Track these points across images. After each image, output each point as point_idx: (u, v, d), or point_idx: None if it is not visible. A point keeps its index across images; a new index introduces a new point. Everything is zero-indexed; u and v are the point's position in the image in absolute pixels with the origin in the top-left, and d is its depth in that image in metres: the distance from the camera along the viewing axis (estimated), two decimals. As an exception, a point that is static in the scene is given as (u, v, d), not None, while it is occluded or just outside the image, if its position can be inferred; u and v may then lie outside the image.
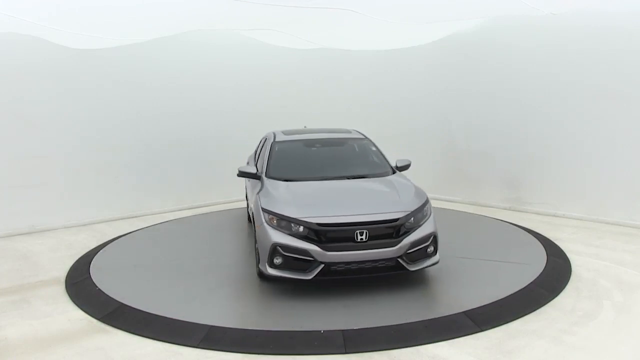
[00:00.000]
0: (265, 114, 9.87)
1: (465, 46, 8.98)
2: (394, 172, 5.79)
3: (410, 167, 6.03)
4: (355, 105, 10.30)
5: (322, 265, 4.42)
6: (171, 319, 4.20)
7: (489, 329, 3.88)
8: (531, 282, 4.78)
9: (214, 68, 9.44)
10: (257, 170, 5.84)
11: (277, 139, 6.34)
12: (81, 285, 5.13)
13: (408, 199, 4.90)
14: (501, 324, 3.95)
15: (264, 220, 4.71)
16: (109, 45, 8.01)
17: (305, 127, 7.28)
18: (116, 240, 6.91)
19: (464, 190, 9.22)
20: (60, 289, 5.08)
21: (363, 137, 6.44)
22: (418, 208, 4.78)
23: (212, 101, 9.45)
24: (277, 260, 4.52)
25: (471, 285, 4.83)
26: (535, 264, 5.34)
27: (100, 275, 5.36)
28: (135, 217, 8.45)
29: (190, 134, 9.22)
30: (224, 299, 4.70)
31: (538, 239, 6.36)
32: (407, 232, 4.60)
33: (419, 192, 5.13)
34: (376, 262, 4.49)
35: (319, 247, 4.42)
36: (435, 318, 4.06)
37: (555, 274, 5.10)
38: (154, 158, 8.84)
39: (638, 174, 6.99)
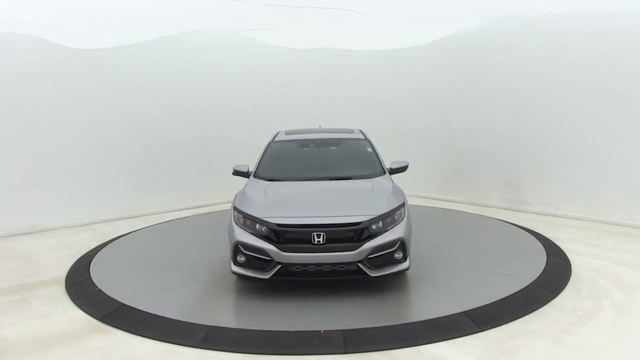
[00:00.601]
0: (265, 114, 9.88)
1: (465, 46, 8.98)
2: (384, 174, 5.58)
3: (409, 168, 5.92)
4: (355, 105, 10.30)
5: (280, 266, 4.44)
6: (171, 319, 4.20)
7: (489, 329, 3.88)
8: (531, 282, 4.78)
9: (214, 68, 9.45)
10: (249, 169, 5.93)
11: (275, 139, 6.39)
12: (81, 285, 5.13)
13: (380, 202, 4.74)
14: (501, 324, 3.95)
15: (232, 219, 4.83)
16: (109, 45, 8.01)
17: (320, 126, 7.23)
18: (116, 240, 6.91)
19: (464, 190, 9.22)
20: (60, 289, 5.08)
21: (363, 137, 6.32)
22: (387, 212, 4.60)
23: (212, 101, 9.45)
24: (240, 259, 4.61)
25: (471, 285, 4.83)
26: (535, 264, 5.34)
27: (100, 275, 5.36)
28: (135, 217, 8.46)
29: (190, 134, 9.22)
30: (224, 299, 4.69)
31: (538, 239, 6.36)
32: (371, 237, 4.47)
33: (395, 196, 4.91)
34: (335, 266, 4.44)
35: (276, 247, 4.44)
36: (435, 318, 4.05)
37: (555, 274, 5.10)
38: (154, 158, 8.84)
39: (638, 174, 6.99)
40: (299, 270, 4.47)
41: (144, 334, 3.96)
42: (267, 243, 4.49)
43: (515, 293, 4.53)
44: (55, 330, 4.10)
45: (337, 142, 6.32)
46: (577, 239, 6.48)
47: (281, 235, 4.48)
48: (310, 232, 4.43)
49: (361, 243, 4.43)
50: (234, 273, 4.71)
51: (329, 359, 3.54)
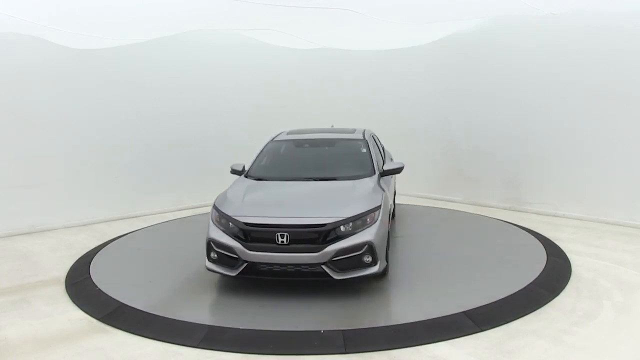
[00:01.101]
0: (265, 114, 9.88)
1: (465, 46, 8.98)
2: (373, 176, 5.43)
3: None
4: (355, 105, 10.30)
5: (246, 264, 4.52)
6: (171, 319, 4.20)
7: (489, 329, 3.88)
8: (531, 282, 4.78)
9: (214, 68, 9.44)
10: (244, 168, 6.00)
11: (275, 138, 6.48)
12: (81, 285, 5.13)
13: (352, 205, 4.65)
14: (501, 324, 3.95)
15: (210, 216, 4.97)
16: (109, 45, 8.01)
17: (332, 126, 7.28)
18: (116, 240, 6.91)
19: (464, 190, 9.22)
20: (60, 289, 5.08)
21: (360, 138, 6.21)
22: (356, 215, 4.53)
23: (212, 101, 9.45)
24: (213, 256, 4.76)
25: (471, 285, 4.83)
26: (535, 264, 5.34)
27: (100, 275, 5.36)
28: (135, 217, 8.46)
29: (190, 134, 9.22)
30: (224, 299, 4.70)
31: (538, 239, 6.36)
32: (338, 239, 4.42)
33: (371, 198, 4.80)
34: (299, 267, 4.46)
35: (243, 245, 4.52)
36: (435, 318, 4.05)
37: (555, 274, 5.10)
38: (154, 158, 8.84)
39: (638, 174, 6.99)
40: (265, 269, 4.52)
41: (144, 334, 3.96)
42: (235, 241, 4.57)
43: (515, 293, 4.53)
44: (55, 330, 4.10)
45: (332, 142, 6.30)
46: (577, 239, 6.48)
47: (248, 234, 4.56)
48: (274, 232, 4.45)
49: (325, 245, 4.39)
50: (208, 269, 4.83)
51: (329, 359, 3.54)
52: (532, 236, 6.54)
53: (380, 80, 10.30)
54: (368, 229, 4.53)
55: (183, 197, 9.18)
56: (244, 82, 9.78)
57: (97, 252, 6.29)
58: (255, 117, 9.79)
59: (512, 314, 4.12)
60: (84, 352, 3.69)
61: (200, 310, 4.40)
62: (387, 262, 4.83)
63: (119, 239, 7.00)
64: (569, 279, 4.98)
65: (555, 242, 6.27)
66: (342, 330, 3.88)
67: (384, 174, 5.65)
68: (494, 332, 3.83)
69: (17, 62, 7.42)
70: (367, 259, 4.48)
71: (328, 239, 4.43)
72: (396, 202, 7.93)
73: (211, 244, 4.74)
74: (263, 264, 4.50)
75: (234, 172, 5.97)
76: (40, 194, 7.63)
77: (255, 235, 4.54)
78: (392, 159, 7.31)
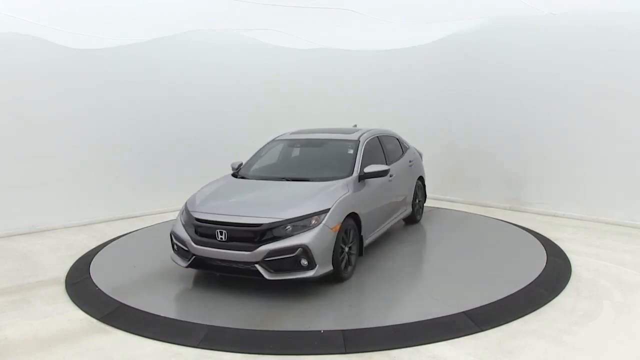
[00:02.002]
0: (265, 114, 9.88)
1: (465, 46, 8.98)
2: (348, 178, 5.31)
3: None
4: (355, 105, 10.30)
5: (194, 257, 4.77)
6: (171, 319, 4.20)
7: (489, 329, 3.88)
8: (531, 282, 4.78)
9: (214, 68, 9.44)
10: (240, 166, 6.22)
11: (275, 138, 6.58)
12: (81, 285, 5.13)
13: (298, 207, 4.66)
14: (501, 324, 3.95)
15: (180, 211, 5.28)
16: (109, 45, 8.01)
17: (355, 125, 7.17)
18: (116, 240, 6.91)
19: (464, 190, 9.22)
20: (60, 289, 5.08)
21: (353, 139, 6.00)
22: (296, 217, 4.53)
23: (212, 101, 9.45)
24: (174, 247, 5.09)
25: (471, 285, 4.83)
26: (535, 264, 5.34)
27: (100, 275, 5.36)
28: (135, 217, 8.46)
29: (190, 134, 9.22)
30: (224, 299, 4.69)
31: (538, 239, 6.36)
32: (274, 240, 4.46)
33: (323, 201, 4.74)
34: (236, 264, 4.57)
35: (192, 239, 4.78)
36: (435, 318, 4.05)
37: (555, 274, 5.10)
38: (154, 158, 8.84)
39: (638, 174, 6.99)
40: (211, 263, 4.75)
41: (144, 334, 3.96)
42: (187, 235, 4.86)
43: (515, 293, 4.52)
44: (55, 330, 4.10)
45: (322, 143, 6.29)
46: (577, 239, 6.48)
47: (197, 228, 4.82)
48: (215, 229, 4.65)
49: (259, 245, 4.44)
50: (172, 259, 5.14)
51: (329, 359, 3.54)
52: (532, 236, 6.54)
53: (380, 80, 10.30)
54: (307, 232, 4.49)
55: (183, 197, 9.13)
56: (244, 82, 9.78)
57: (97, 252, 6.29)
58: (255, 117, 9.79)
59: (512, 314, 4.11)
60: (84, 352, 3.69)
61: (200, 310, 4.40)
62: (334, 267, 4.68)
63: (119, 239, 7.01)
64: (569, 279, 4.98)
65: (555, 242, 6.27)
66: (342, 330, 3.88)
67: (365, 176, 5.45)
68: (494, 332, 3.83)
69: (17, 62, 7.41)
70: (304, 262, 4.46)
71: (264, 239, 4.47)
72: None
73: (172, 237, 5.11)
74: (206, 258, 4.71)
75: (233, 169, 6.17)
76: (40, 194, 7.62)
77: (200, 230, 4.78)
78: (410, 160, 7.15)
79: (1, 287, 5.20)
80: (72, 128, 7.94)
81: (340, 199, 4.88)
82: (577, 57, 7.46)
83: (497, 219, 7.66)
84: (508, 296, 4.45)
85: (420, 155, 7.84)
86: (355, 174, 5.42)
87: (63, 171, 7.88)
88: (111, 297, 4.69)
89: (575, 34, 7.45)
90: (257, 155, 6.38)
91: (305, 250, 4.41)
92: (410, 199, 7.06)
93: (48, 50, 7.61)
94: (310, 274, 4.47)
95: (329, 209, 4.67)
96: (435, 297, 4.57)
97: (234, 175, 6.01)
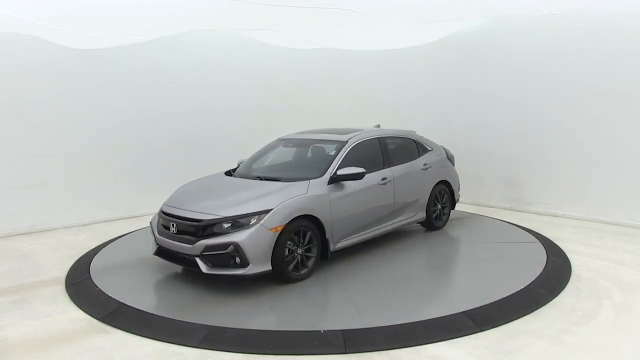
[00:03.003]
0: (265, 114, 9.88)
1: (465, 46, 8.98)
2: (317, 179, 5.29)
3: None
4: (355, 105, 10.29)
5: (158, 246, 5.20)
6: (171, 319, 4.20)
7: (489, 329, 3.88)
8: (531, 282, 4.78)
9: (213, 68, 9.44)
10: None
11: (279, 137, 6.66)
12: (81, 285, 5.13)
13: (242, 206, 4.78)
14: (501, 324, 3.95)
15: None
16: (109, 45, 8.01)
17: (379, 126, 7.05)
18: (116, 240, 6.91)
19: (464, 190, 9.18)
20: (60, 289, 5.08)
21: (342, 140, 5.90)
22: (236, 216, 4.67)
23: (212, 101, 9.45)
24: (153, 237, 5.39)
25: (471, 285, 4.83)
26: (535, 264, 5.34)
27: (100, 275, 5.36)
28: (135, 217, 8.46)
29: (190, 134, 9.21)
30: (224, 299, 4.69)
31: (538, 239, 6.36)
32: (213, 235, 4.64)
33: (267, 202, 4.80)
34: (182, 255, 4.86)
35: (157, 229, 5.25)
36: (435, 318, 4.05)
37: (555, 274, 5.10)
38: (154, 158, 8.84)
39: (638, 174, 6.99)
40: (166, 252, 5.11)
41: (144, 334, 3.96)
42: (156, 225, 5.32)
43: (515, 293, 4.52)
44: (55, 330, 4.10)
45: (310, 143, 6.31)
46: (577, 239, 6.48)
47: (159, 219, 5.28)
48: (169, 221, 5.03)
49: (199, 239, 4.68)
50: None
51: (329, 359, 3.54)
52: (532, 236, 6.53)
53: (380, 80, 10.30)
54: (242, 231, 4.60)
55: (183, 197, 9.16)
56: (244, 82, 9.78)
57: (97, 252, 6.29)
58: (255, 117, 9.78)
59: (512, 314, 4.11)
60: (84, 352, 3.69)
61: (200, 310, 4.40)
62: (277, 267, 4.73)
63: (119, 239, 7.01)
64: (569, 279, 4.98)
65: (556, 242, 6.27)
66: (342, 330, 3.88)
67: (337, 179, 5.36)
68: (494, 332, 3.83)
69: (17, 62, 7.41)
70: (237, 259, 4.58)
71: (205, 234, 4.69)
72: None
73: (150, 227, 5.54)
74: (165, 247, 5.07)
75: (237, 166, 6.40)
76: (40, 194, 7.63)
77: (162, 222, 5.21)
78: (425, 164, 6.72)
79: (1, 287, 5.20)
80: (72, 128, 7.94)
81: (289, 200, 4.88)
82: (577, 57, 7.45)
83: (497, 219, 7.66)
84: (508, 296, 4.45)
85: (451, 158, 7.41)
86: (327, 175, 5.36)
87: (63, 171, 7.88)
88: (111, 297, 4.69)
89: (575, 34, 7.45)
90: (255, 154, 6.48)
91: (236, 248, 4.53)
92: (424, 203, 6.63)
93: (48, 50, 7.61)
94: (242, 271, 4.60)
95: (270, 210, 4.73)
96: (435, 297, 4.58)
97: (228, 172, 6.16)
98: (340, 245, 5.39)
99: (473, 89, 8.94)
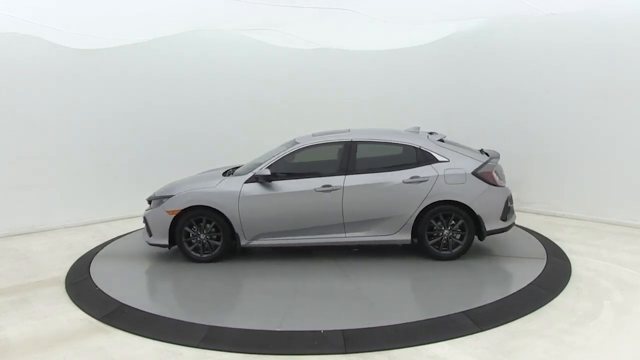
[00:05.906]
0: (266, 114, 9.88)
1: (466, 46, 8.98)
2: (242, 176, 5.73)
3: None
4: (355, 105, 10.29)
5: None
6: (171, 319, 4.20)
7: (489, 329, 3.88)
8: (531, 282, 4.78)
9: (214, 68, 9.44)
10: None
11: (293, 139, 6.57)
12: (81, 285, 5.13)
13: (168, 191, 5.92)
14: (501, 324, 3.95)
15: None
16: (109, 45, 8.01)
17: (418, 128, 6.28)
18: (116, 240, 6.92)
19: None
20: (60, 289, 5.09)
21: (292, 142, 5.98)
22: (154, 197, 6.03)
23: (212, 101, 9.45)
24: None
25: (471, 285, 4.83)
26: (535, 264, 5.34)
27: (100, 275, 5.36)
28: (136, 217, 8.43)
29: (191, 134, 9.22)
30: (224, 299, 4.70)
31: (538, 239, 6.36)
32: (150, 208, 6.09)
33: (177, 190, 5.80)
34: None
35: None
36: (435, 318, 4.06)
37: (555, 274, 5.10)
38: (154, 158, 8.84)
39: (638, 174, 6.99)
40: None
41: (144, 334, 3.97)
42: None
43: (515, 293, 4.53)
44: (55, 330, 4.10)
45: (290, 144, 6.27)
46: (577, 239, 6.48)
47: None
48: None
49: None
50: None
51: (329, 359, 3.55)
52: (532, 236, 6.53)
53: (381, 80, 10.30)
54: (152, 209, 5.96)
55: (183, 197, 9.16)
56: (245, 82, 9.78)
57: (97, 252, 6.29)
58: (255, 117, 9.79)
59: (512, 314, 4.11)
60: (84, 352, 3.69)
61: (200, 310, 4.40)
62: (176, 244, 5.76)
63: (119, 239, 7.01)
64: (569, 279, 4.98)
65: (556, 242, 6.27)
66: (342, 330, 3.88)
67: (258, 179, 5.57)
68: (494, 332, 3.83)
69: (17, 62, 7.41)
70: (147, 228, 6.02)
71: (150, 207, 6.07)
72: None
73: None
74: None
75: None
76: (40, 194, 7.63)
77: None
78: (413, 177, 5.48)
79: (1, 287, 5.20)
80: (72, 128, 7.94)
81: (190, 190, 5.70)
82: (577, 57, 7.45)
83: (497, 219, 7.64)
84: (508, 296, 4.45)
85: (483, 175, 5.64)
86: (250, 174, 5.66)
87: (63, 171, 7.88)
88: (111, 297, 4.69)
89: (575, 34, 7.45)
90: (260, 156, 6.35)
91: (145, 219, 5.97)
92: (408, 223, 5.49)
93: (48, 50, 7.61)
94: (147, 239, 5.94)
95: (171, 196, 5.74)
96: (435, 296, 4.57)
97: (227, 171, 6.35)
98: (256, 243, 5.63)
99: (473, 89, 8.94)
